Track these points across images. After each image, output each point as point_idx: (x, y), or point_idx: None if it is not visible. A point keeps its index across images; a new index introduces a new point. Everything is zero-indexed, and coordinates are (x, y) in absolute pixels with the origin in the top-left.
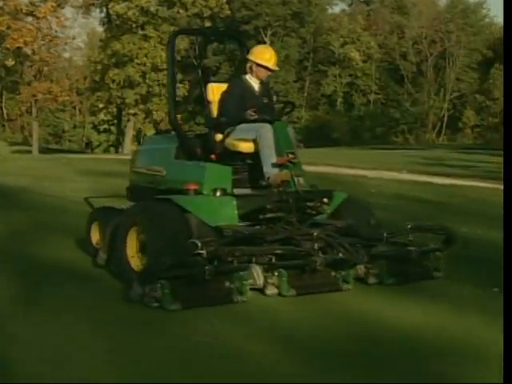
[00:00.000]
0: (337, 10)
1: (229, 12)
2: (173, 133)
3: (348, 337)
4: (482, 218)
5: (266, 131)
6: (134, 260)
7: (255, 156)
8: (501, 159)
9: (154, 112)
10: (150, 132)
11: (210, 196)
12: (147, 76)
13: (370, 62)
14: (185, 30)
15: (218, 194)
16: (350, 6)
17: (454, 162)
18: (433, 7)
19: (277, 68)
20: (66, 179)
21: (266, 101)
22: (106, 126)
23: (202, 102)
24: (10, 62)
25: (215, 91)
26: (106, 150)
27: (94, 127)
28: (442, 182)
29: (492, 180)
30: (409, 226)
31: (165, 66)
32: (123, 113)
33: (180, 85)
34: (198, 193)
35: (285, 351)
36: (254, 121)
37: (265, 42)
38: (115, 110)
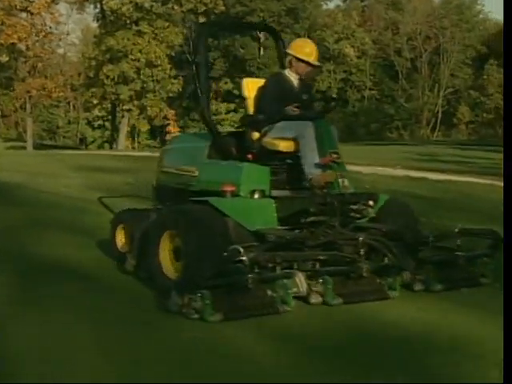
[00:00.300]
0: (331, 6)
1: (223, 8)
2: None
3: (347, 336)
4: (476, 214)
5: (308, 130)
6: (168, 266)
7: (295, 156)
8: (495, 155)
9: (149, 108)
10: (145, 128)
11: (249, 198)
12: (141, 72)
13: (364, 58)
14: (214, 22)
15: (256, 196)
16: (344, 1)
17: (448, 157)
18: (427, 3)
19: (318, 63)
20: (60, 175)
21: (305, 98)
22: (100, 121)
23: (197, 97)
24: (4, 58)
25: (251, 87)
26: (101, 146)
27: (89, 123)
28: (437, 178)
29: (487, 176)
30: (456, 230)
31: (159, 62)
32: (117, 109)
33: (174, 81)
34: (234, 195)
35: (287, 351)
36: (295, 118)
37: (259, 38)
38: (109, 105)
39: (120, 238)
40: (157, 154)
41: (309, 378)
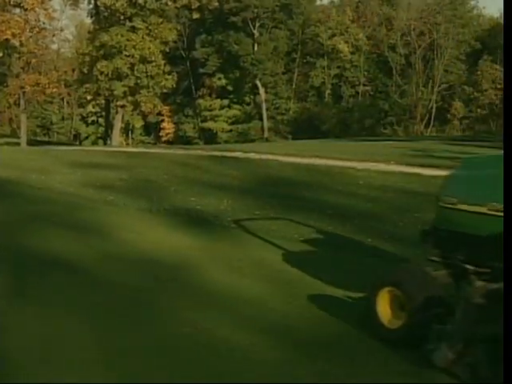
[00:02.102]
0: (325, 1)
1: (217, 4)
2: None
3: (342, 334)
4: None
5: None
6: None
7: None
8: (489, 151)
9: (143, 104)
10: (139, 124)
11: None
12: (135, 68)
13: (358, 54)
14: None
15: None
16: None
17: (442, 153)
18: None
19: None
20: (54, 171)
21: None
22: (94, 118)
23: (191, 93)
24: None
25: None
26: (95, 142)
27: (83, 119)
28: (431, 174)
29: None
30: None
31: (153, 58)
32: (111, 105)
33: (168, 76)
34: None
35: (270, 341)
36: None
37: (253, 34)
38: (103, 101)
39: (386, 308)
40: (151, 150)
41: (305, 377)
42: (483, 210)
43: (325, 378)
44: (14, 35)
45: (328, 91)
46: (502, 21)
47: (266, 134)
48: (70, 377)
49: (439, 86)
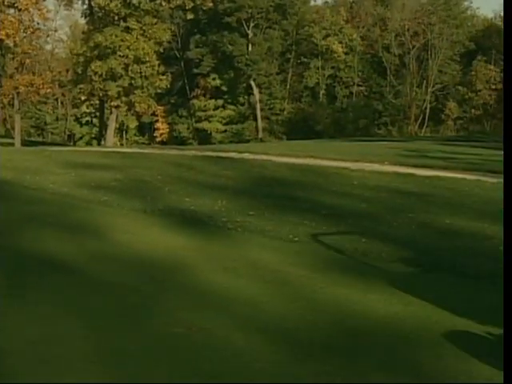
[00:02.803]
0: (319, 1)
1: (211, 4)
2: None
3: (337, 333)
4: (464, 210)
5: None
6: None
7: None
8: (483, 151)
9: (137, 104)
10: (133, 124)
11: None
12: (130, 68)
13: (352, 54)
14: None
15: None
16: None
17: (436, 153)
18: None
19: None
20: (48, 172)
21: None
22: (88, 118)
23: (185, 94)
24: None
25: None
26: (89, 143)
27: (77, 120)
28: (425, 174)
29: (474, 172)
30: None
31: (147, 59)
32: (106, 105)
33: (162, 77)
34: None
35: (266, 341)
36: None
37: (247, 35)
38: (98, 102)
39: None
40: (145, 151)
41: (301, 378)
42: None
43: (325, 378)
44: (7, 35)
45: (322, 91)
46: (495, 21)
47: (260, 135)
48: (68, 377)
49: (433, 87)
